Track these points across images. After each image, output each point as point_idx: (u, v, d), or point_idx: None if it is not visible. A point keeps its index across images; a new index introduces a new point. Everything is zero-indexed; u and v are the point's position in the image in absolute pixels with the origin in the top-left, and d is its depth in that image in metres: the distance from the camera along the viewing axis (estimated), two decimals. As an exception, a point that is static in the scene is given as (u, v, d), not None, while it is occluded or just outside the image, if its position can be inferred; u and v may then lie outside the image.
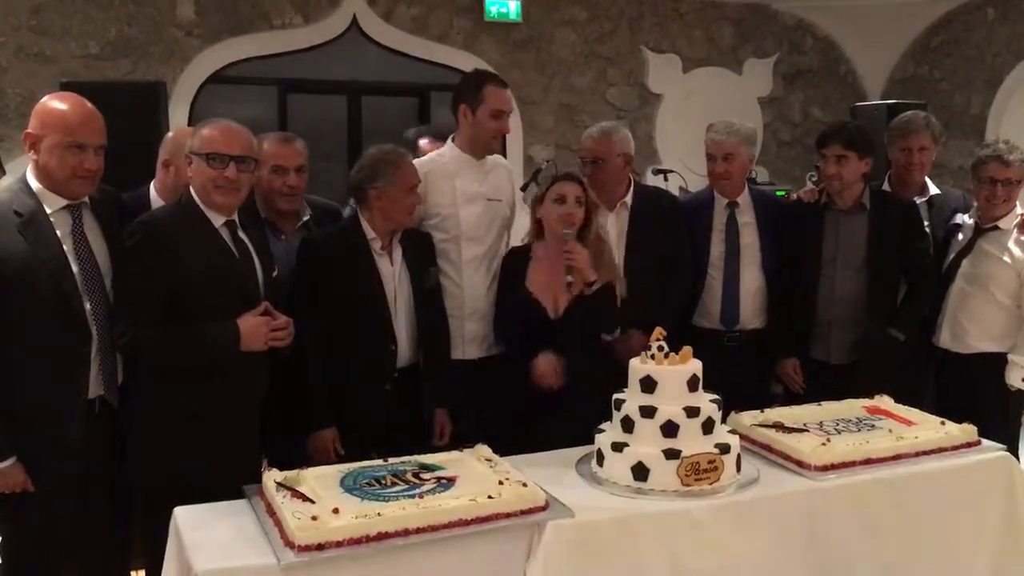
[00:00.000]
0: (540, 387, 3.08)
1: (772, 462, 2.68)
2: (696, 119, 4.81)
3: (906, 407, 3.05)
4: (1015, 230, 3.58)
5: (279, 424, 2.99)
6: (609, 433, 2.57)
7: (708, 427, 2.50)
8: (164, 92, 4.21)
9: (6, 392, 2.54)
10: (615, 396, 2.58)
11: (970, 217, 3.73)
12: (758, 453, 2.74)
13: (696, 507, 2.41)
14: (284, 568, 2.05)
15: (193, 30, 5.78)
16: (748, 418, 2.89)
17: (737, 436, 2.60)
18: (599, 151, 3.58)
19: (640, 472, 2.44)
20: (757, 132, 3.87)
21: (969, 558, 2.74)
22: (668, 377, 2.50)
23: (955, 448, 2.78)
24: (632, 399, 2.52)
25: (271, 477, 2.35)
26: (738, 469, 2.54)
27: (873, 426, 2.87)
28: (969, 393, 3.50)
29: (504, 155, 3.95)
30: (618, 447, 2.49)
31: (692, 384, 2.53)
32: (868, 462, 2.65)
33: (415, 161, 3.43)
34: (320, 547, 2.07)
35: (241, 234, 2.79)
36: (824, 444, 2.64)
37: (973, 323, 3.61)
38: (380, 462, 2.54)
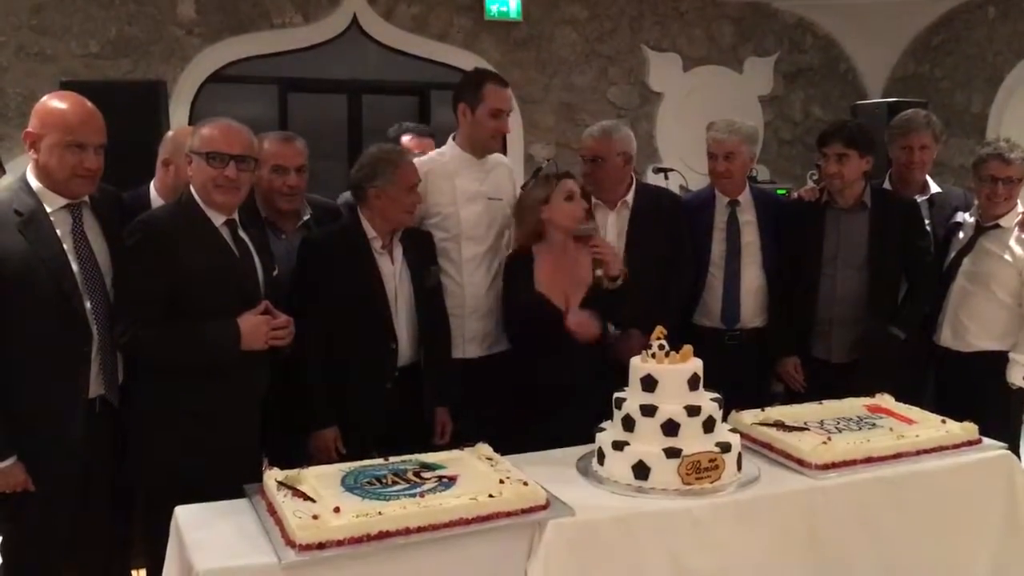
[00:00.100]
0: (579, 340, 3.09)
1: (773, 461, 2.68)
2: (697, 118, 4.81)
3: (907, 406, 3.05)
4: (1016, 228, 3.58)
5: (279, 423, 2.99)
6: (610, 432, 2.57)
7: (709, 426, 2.50)
8: (164, 91, 4.21)
9: (6, 391, 2.54)
10: (616, 395, 2.58)
11: (971, 215, 3.73)
12: (759, 452, 2.73)
13: (697, 506, 2.41)
14: (285, 567, 2.05)
15: (193, 29, 5.78)
16: (749, 417, 2.89)
17: (738, 435, 2.60)
18: (599, 150, 3.58)
19: (641, 471, 2.44)
20: (758, 130, 3.86)
21: (970, 556, 2.74)
22: (669, 376, 2.50)
23: (956, 447, 2.78)
24: (633, 398, 2.52)
25: (272, 476, 2.35)
26: (739, 468, 2.54)
27: (874, 425, 2.87)
28: (970, 391, 3.50)
29: (504, 154, 3.94)
30: (619, 446, 2.49)
31: (693, 383, 2.53)
32: (869, 461, 2.64)
33: (416, 160, 3.43)
34: (321, 546, 2.07)
35: (241, 233, 2.79)
36: (825, 443, 2.64)
37: (974, 321, 3.61)
38: (381, 461, 2.54)
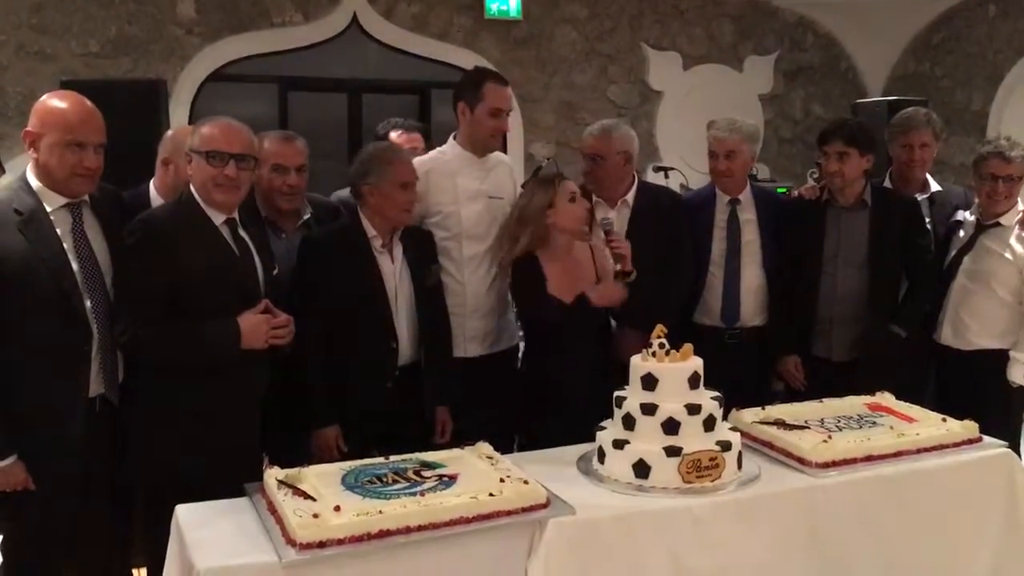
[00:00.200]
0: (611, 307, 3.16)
1: (773, 459, 2.68)
2: (697, 116, 4.81)
3: (907, 404, 3.05)
4: (1016, 227, 3.58)
5: (280, 422, 2.99)
6: (610, 430, 2.57)
7: (709, 424, 2.50)
8: (164, 90, 4.20)
9: (6, 390, 2.54)
10: (616, 393, 2.58)
11: (971, 214, 3.73)
12: (759, 450, 2.73)
13: (697, 504, 2.41)
14: (286, 566, 2.05)
15: (193, 28, 5.78)
16: (749, 415, 2.89)
17: (738, 433, 2.60)
18: (599, 148, 3.58)
19: (641, 469, 2.44)
20: (759, 129, 3.86)
21: (970, 554, 2.74)
22: (669, 374, 2.50)
23: (956, 445, 2.78)
24: (633, 396, 2.52)
25: (272, 475, 2.35)
26: (739, 466, 2.54)
27: (874, 423, 2.87)
28: (970, 390, 3.50)
29: (505, 153, 3.93)
30: (619, 444, 2.49)
31: (693, 381, 2.52)
32: (869, 459, 2.64)
33: (417, 159, 3.43)
34: (321, 545, 2.07)
35: (241, 232, 2.79)
36: (825, 441, 2.64)
37: (974, 320, 3.61)
38: (381, 460, 2.54)
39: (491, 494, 2.26)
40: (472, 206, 3.41)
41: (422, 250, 3.22)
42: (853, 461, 2.62)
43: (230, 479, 2.44)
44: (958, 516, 2.71)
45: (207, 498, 2.37)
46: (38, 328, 2.55)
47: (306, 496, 2.24)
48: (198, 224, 2.70)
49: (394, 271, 3.11)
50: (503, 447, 2.67)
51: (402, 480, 2.38)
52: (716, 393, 2.57)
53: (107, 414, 2.70)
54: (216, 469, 2.54)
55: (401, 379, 3.11)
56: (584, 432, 2.69)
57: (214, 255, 2.69)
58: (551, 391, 3.12)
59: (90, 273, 2.64)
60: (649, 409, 2.47)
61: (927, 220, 3.80)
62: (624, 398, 2.54)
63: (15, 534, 2.67)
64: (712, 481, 2.45)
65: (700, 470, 2.44)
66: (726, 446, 2.49)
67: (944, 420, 2.88)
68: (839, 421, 2.88)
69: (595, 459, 2.59)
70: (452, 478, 2.39)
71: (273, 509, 2.25)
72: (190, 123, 4.27)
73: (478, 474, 2.42)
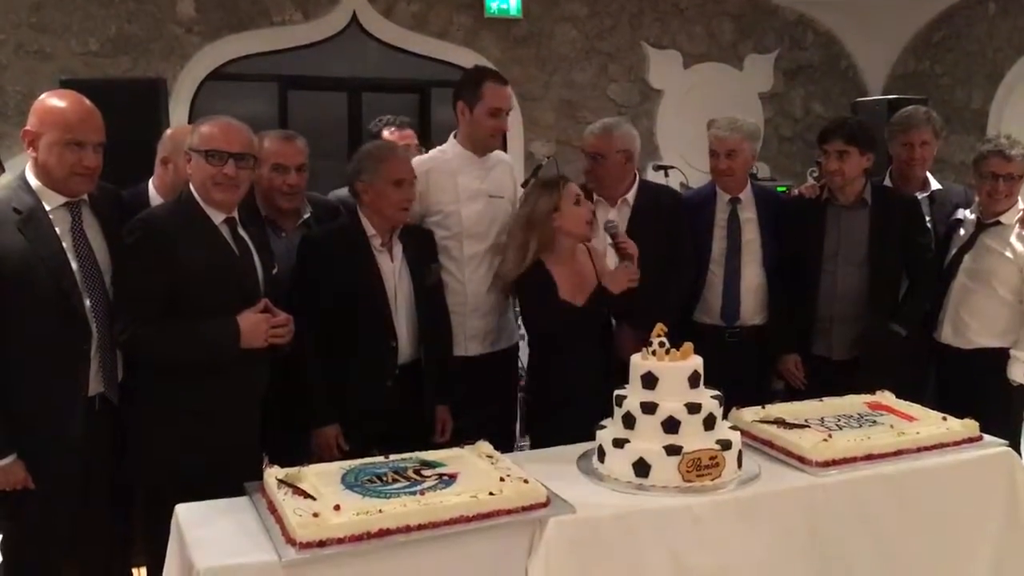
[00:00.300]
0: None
1: (773, 458, 2.68)
2: (697, 115, 4.81)
3: (907, 403, 3.05)
4: (1017, 225, 3.58)
5: (279, 421, 2.99)
6: (610, 429, 2.56)
7: (709, 423, 2.50)
8: (164, 89, 4.20)
9: (6, 390, 2.54)
10: (616, 392, 2.58)
11: (972, 212, 3.73)
12: (759, 449, 2.73)
13: (697, 503, 2.41)
14: (286, 565, 2.05)
15: (193, 27, 5.78)
16: (749, 414, 2.88)
17: (738, 432, 2.60)
18: (599, 147, 3.58)
19: (641, 468, 2.44)
20: (760, 128, 3.86)
21: (970, 553, 2.74)
22: (669, 373, 2.50)
23: (956, 444, 2.78)
24: (633, 395, 2.52)
25: (272, 474, 2.34)
26: (739, 465, 2.54)
27: (874, 422, 2.87)
28: (971, 388, 3.50)
29: (505, 152, 3.93)
30: (619, 443, 2.49)
31: (693, 380, 2.52)
32: (869, 458, 2.64)
33: (417, 158, 3.43)
34: (321, 544, 2.07)
35: (241, 231, 2.78)
36: (825, 440, 2.64)
37: (975, 318, 3.61)
38: (381, 459, 2.53)
39: (491, 493, 2.25)
40: (472, 205, 3.41)
41: (422, 249, 3.22)
42: (853, 460, 2.62)
43: (230, 478, 2.44)
44: (958, 515, 2.71)
45: (207, 497, 2.37)
46: (37, 327, 2.55)
47: (306, 495, 2.24)
48: (197, 223, 2.70)
49: (393, 270, 3.11)
50: (503, 446, 2.67)
51: (402, 479, 2.38)
52: (716, 392, 2.57)
53: (107, 413, 2.70)
54: (216, 468, 2.54)
55: (401, 378, 3.10)
56: (588, 433, 2.68)
57: (213, 254, 2.69)
58: (558, 394, 3.11)
59: (89, 272, 2.64)
60: (649, 408, 2.46)
61: (927, 219, 3.81)
62: (624, 397, 2.54)
63: (15, 533, 2.67)
64: (712, 480, 2.45)
65: (700, 469, 2.44)
66: (726, 445, 2.49)
67: (944, 419, 2.87)
68: (839, 420, 2.88)
69: (595, 458, 2.59)
70: (452, 477, 2.39)
71: (273, 508, 2.24)
72: (190, 122, 4.27)
73: (478, 473, 2.41)
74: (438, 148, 3.58)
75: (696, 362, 2.55)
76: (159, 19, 5.69)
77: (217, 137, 2.68)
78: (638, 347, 2.65)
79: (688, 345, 2.58)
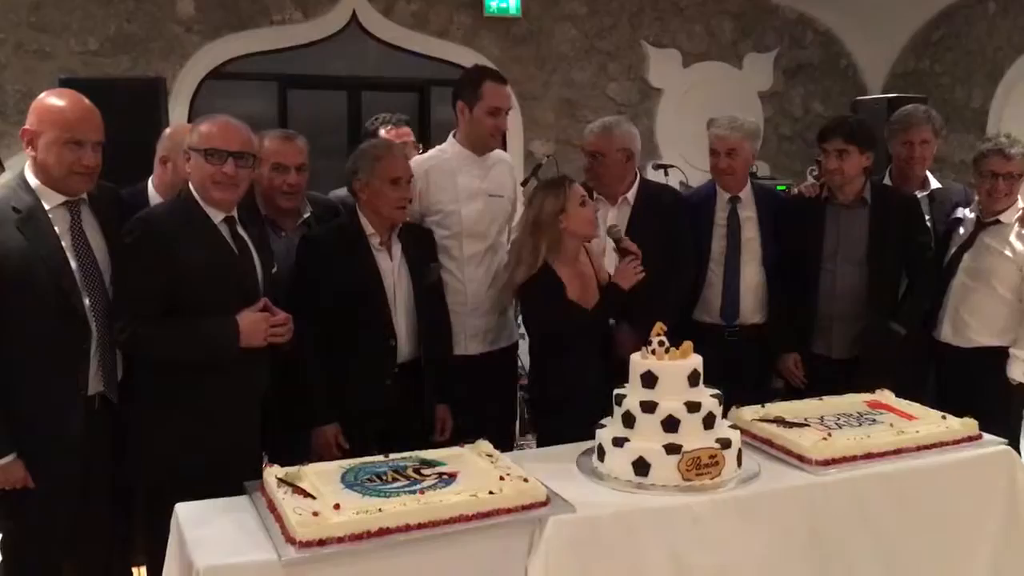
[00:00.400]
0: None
1: (773, 457, 2.68)
2: (697, 114, 4.80)
3: (907, 401, 3.04)
4: (1016, 224, 3.58)
5: (279, 420, 2.99)
6: (610, 428, 2.56)
7: (709, 422, 2.50)
8: (164, 88, 4.20)
9: (5, 389, 2.54)
10: (616, 391, 2.58)
11: (971, 211, 3.73)
12: (759, 448, 2.73)
13: (697, 502, 2.41)
14: (285, 564, 2.05)
15: (193, 26, 5.77)
16: (749, 413, 2.88)
17: (738, 431, 2.60)
18: (599, 145, 3.58)
19: (641, 467, 2.44)
20: (760, 127, 3.85)
21: (970, 552, 2.74)
22: (669, 372, 2.50)
23: (956, 442, 2.78)
24: (633, 394, 2.52)
25: (272, 473, 2.34)
26: (739, 464, 2.54)
27: (874, 420, 2.87)
28: (970, 387, 3.50)
29: (504, 150, 3.93)
30: (619, 442, 2.49)
31: (693, 379, 2.52)
32: (869, 457, 2.64)
33: (417, 158, 3.43)
34: (321, 543, 2.07)
35: (240, 230, 2.78)
36: (825, 439, 2.64)
37: (974, 317, 3.61)
38: (381, 458, 2.53)
39: (491, 492, 2.25)
40: (472, 205, 3.41)
41: (421, 248, 3.22)
42: (853, 459, 2.62)
43: (230, 477, 2.44)
44: (958, 513, 2.71)
45: (207, 496, 2.37)
46: (37, 326, 2.55)
47: (306, 494, 2.24)
48: (197, 222, 2.69)
49: (393, 269, 3.11)
50: (503, 445, 2.66)
51: (402, 478, 2.38)
52: (716, 391, 2.57)
53: (106, 412, 2.70)
54: (216, 468, 2.54)
55: (400, 377, 3.11)
56: (590, 432, 2.68)
57: (213, 253, 2.69)
58: (561, 394, 3.10)
59: (89, 271, 2.64)
60: (649, 407, 2.46)
61: (927, 217, 3.80)
62: (624, 396, 2.54)
63: (15, 533, 2.67)
64: (712, 479, 2.45)
65: (700, 468, 2.44)
66: (726, 444, 2.49)
67: (944, 418, 2.87)
68: (839, 419, 2.87)
69: (595, 457, 2.59)
70: (452, 476, 2.39)
71: (273, 507, 2.24)
72: (189, 121, 4.27)
73: (478, 472, 2.41)
74: (437, 147, 3.58)
75: (696, 361, 2.55)
76: (159, 18, 5.69)
77: (216, 136, 2.68)
78: (638, 346, 2.66)
79: (688, 344, 2.58)
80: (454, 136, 3.50)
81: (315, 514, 2.11)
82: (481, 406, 3.35)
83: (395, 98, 6.45)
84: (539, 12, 6.51)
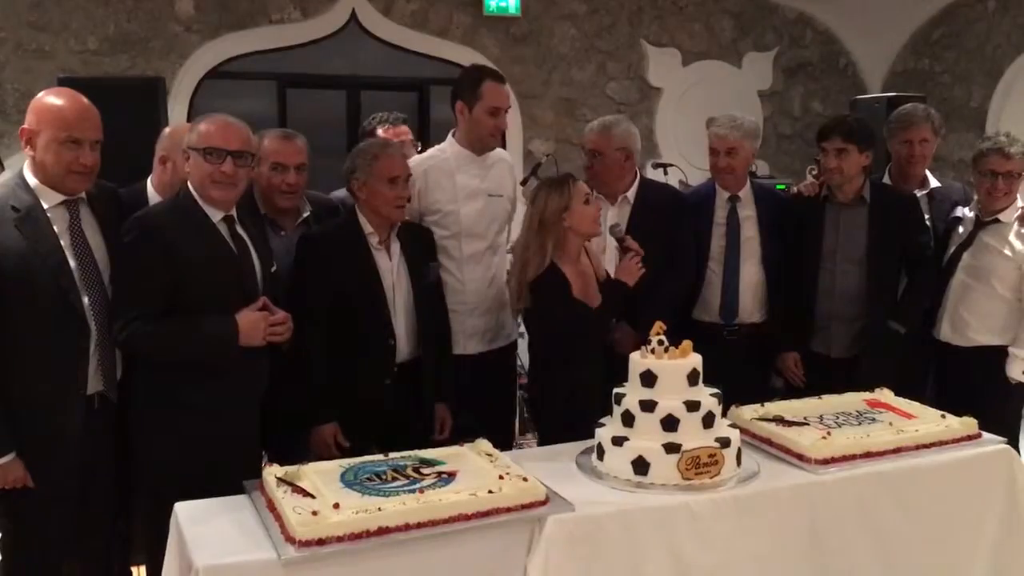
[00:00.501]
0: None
1: (772, 456, 2.68)
2: (696, 113, 4.80)
3: (906, 400, 3.05)
4: (1016, 223, 3.58)
5: (279, 419, 2.99)
6: (609, 427, 2.57)
7: (708, 421, 2.50)
8: (163, 87, 4.19)
9: (5, 388, 2.53)
10: (615, 390, 2.58)
11: (971, 210, 3.72)
12: (758, 447, 2.73)
13: (696, 501, 2.41)
14: (285, 563, 2.05)
15: (192, 25, 5.77)
16: (748, 412, 2.89)
17: (737, 430, 2.60)
18: (598, 145, 3.58)
19: (640, 466, 2.44)
20: (759, 126, 3.86)
21: (970, 551, 2.74)
22: (668, 371, 2.50)
23: (955, 441, 2.78)
24: (632, 393, 2.52)
25: (272, 472, 2.35)
26: (738, 463, 2.54)
27: (873, 419, 2.87)
28: (970, 386, 3.50)
29: (504, 150, 3.93)
30: (618, 441, 2.49)
31: (692, 378, 2.52)
32: (868, 455, 2.64)
33: (416, 157, 3.42)
34: (321, 542, 2.07)
35: (239, 229, 2.78)
36: (824, 438, 2.64)
37: (974, 316, 3.61)
38: (380, 457, 2.53)
39: (490, 491, 2.26)
40: (471, 204, 3.41)
41: (420, 247, 3.22)
42: (852, 457, 2.62)
43: (229, 477, 2.44)
44: (957, 512, 2.72)
45: (206, 496, 2.37)
46: (36, 325, 2.55)
47: (305, 493, 2.24)
48: (196, 221, 2.69)
49: (392, 268, 3.11)
50: (502, 444, 2.66)
51: (401, 477, 2.38)
52: (715, 390, 2.57)
53: (105, 412, 2.70)
54: (215, 467, 2.54)
55: (400, 376, 3.10)
56: (591, 431, 2.68)
57: (212, 252, 2.69)
58: (562, 393, 3.10)
59: (88, 270, 2.64)
60: (648, 406, 2.47)
61: (926, 216, 3.80)
62: (623, 395, 2.54)
63: (15, 532, 2.67)
64: (711, 478, 2.45)
65: (699, 467, 2.44)
66: (725, 443, 2.49)
67: (943, 416, 2.87)
68: (838, 417, 2.88)
69: (594, 456, 2.59)
70: (451, 475, 2.39)
71: (272, 507, 2.24)
72: (188, 120, 4.27)
73: (477, 471, 2.42)
74: (437, 147, 3.58)
75: (695, 360, 2.55)
76: (158, 17, 5.68)
77: (215, 135, 2.68)
78: (637, 345, 2.66)
79: (687, 343, 2.58)
80: (453, 135, 3.50)
81: (314, 513, 2.11)
82: (480, 405, 3.35)
83: (394, 97, 6.44)
84: (539, 11, 6.51)
